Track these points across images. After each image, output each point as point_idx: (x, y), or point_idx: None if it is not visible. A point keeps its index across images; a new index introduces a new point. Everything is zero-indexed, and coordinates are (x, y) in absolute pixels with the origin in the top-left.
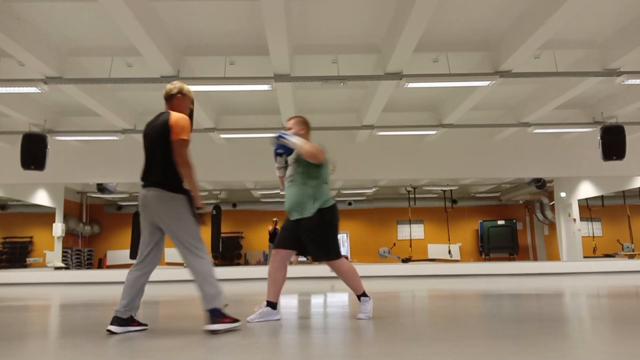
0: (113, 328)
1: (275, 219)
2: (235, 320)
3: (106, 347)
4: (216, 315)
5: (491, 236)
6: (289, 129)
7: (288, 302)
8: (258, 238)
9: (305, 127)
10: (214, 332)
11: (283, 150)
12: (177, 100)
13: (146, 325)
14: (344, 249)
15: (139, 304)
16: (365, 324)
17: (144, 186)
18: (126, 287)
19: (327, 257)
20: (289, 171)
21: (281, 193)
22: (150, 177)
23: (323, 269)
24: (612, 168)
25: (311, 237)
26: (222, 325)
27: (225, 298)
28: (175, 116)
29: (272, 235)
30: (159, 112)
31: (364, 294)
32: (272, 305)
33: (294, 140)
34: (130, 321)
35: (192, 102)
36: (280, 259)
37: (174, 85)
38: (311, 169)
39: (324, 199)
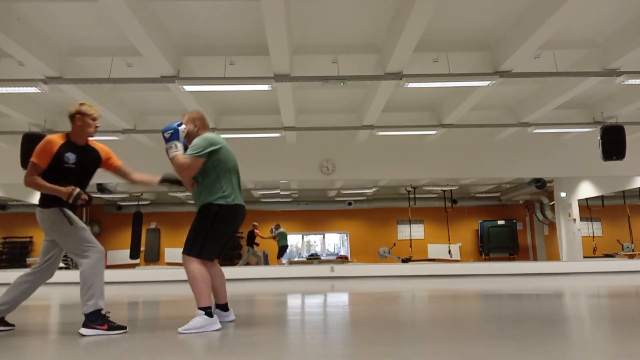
0: None
1: (254, 223)
2: (115, 328)
3: (106, 347)
4: (91, 319)
5: (491, 236)
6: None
7: (288, 302)
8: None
9: (198, 123)
10: (84, 336)
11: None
12: (76, 120)
13: (13, 325)
14: (344, 249)
15: (15, 307)
16: (365, 324)
17: None
18: (11, 288)
19: (186, 249)
20: None
21: (281, 192)
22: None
23: (323, 269)
24: (612, 168)
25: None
26: (94, 331)
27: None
28: (40, 141)
29: (250, 239)
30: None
31: (205, 310)
32: (221, 307)
33: (171, 155)
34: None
35: (95, 118)
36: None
37: (73, 106)
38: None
39: (213, 196)
